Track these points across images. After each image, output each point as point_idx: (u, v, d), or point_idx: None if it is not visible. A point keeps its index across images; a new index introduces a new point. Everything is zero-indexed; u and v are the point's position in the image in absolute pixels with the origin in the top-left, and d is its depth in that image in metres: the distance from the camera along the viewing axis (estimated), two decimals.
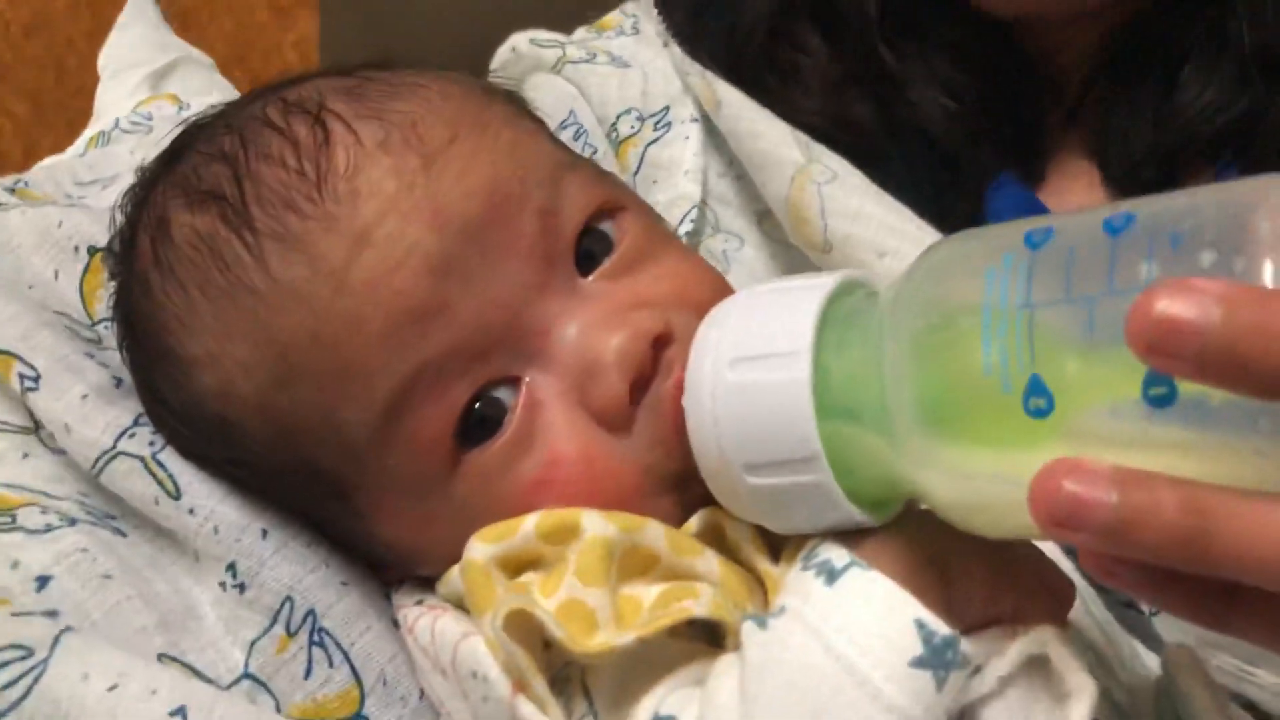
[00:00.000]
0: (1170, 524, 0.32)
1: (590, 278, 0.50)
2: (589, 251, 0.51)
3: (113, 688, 0.45)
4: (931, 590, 0.42)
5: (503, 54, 0.84)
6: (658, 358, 0.48)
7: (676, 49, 0.79)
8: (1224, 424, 0.33)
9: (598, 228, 0.51)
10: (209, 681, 0.48)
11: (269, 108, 0.50)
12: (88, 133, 0.82)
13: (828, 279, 0.44)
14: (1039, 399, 0.36)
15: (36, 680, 0.44)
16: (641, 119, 0.77)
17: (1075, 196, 0.77)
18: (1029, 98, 0.76)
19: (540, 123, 0.57)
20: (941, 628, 0.40)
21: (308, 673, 0.50)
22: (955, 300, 0.39)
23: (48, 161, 0.76)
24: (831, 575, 0.42)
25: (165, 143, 0.56)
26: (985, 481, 0.38)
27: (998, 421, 0.37)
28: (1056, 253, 0.37)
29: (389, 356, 0.46)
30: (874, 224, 0.68)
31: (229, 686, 0.49)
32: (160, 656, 0.48)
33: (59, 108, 1.99)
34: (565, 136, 0.76)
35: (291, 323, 0.46)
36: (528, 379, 0.48)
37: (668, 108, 0.77)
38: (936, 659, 0.40)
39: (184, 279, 0.49)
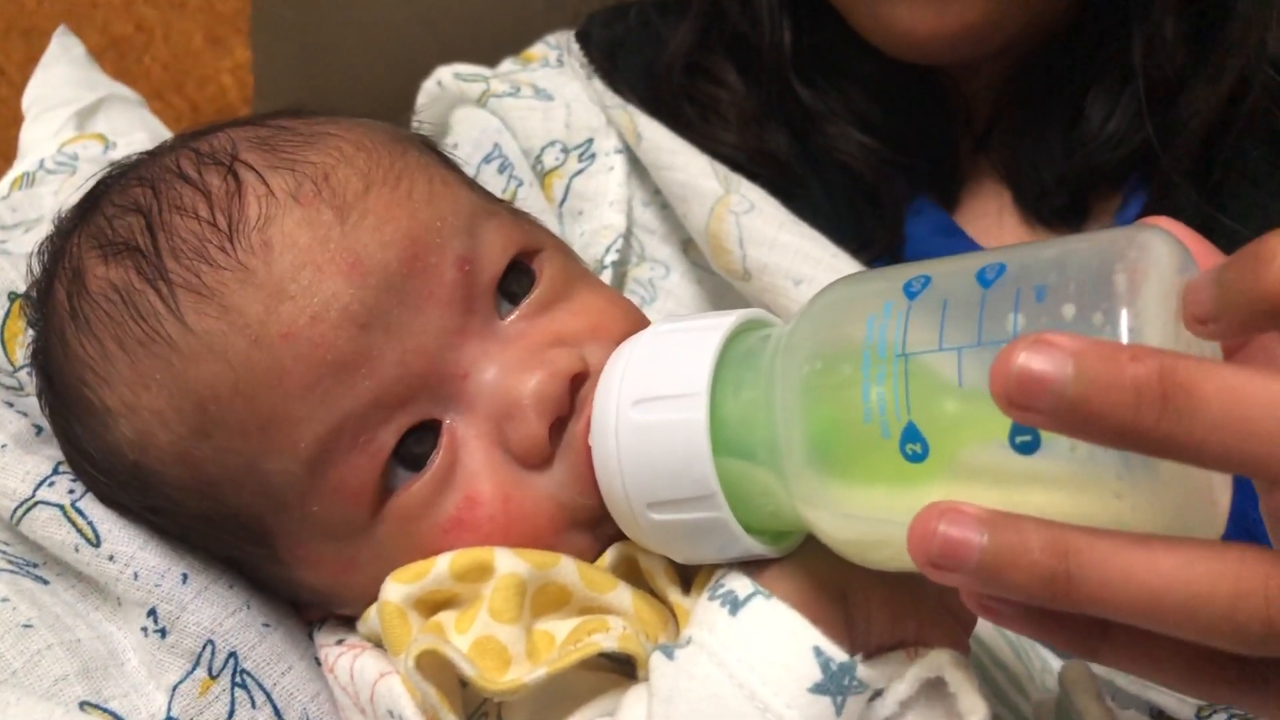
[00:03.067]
0: (1036, 564, 0.34)
1: (509, 319, 0.51)
2: (511, 292, 0.52)
3: None
4: (832, 617, 0.44)
5: (428, 88, 0.85)
6: (575, 395, 0.49)
7: (598, 82, 0.80)
8: (1084, 469, 0.35)
9: (519, 267, 0.52)
10: None
11: (182, 159, 0.50)
12: (12, 173, 0.82)
13: (727, 320, 0.46)
14: (915, 444, 0.37)
15: None
16: (566, 151, 0.78)
17: (989, 220, 0.79)
18: (941, 126, 0.79)
19: (456, 169, 0.58)
20: (838, 654, 0.42)
21: (230, 714, 0.50)
22: (838, 346, 0.40)
23: None
24: (735, 605, 0.44)
25: (87, 186, 0.57)
26: (872, 521, 0.40)
27: (879, 465, 0.38)
28: (932, 302, 0.38)
29: (313, 408, 0.47)
30: (790, 252, 0.69)
31: None
32: (82, 705, 0.48)
33: None
34: (490, 169, 0.78)
35: (208, 374, 0.47)
36: (448, 421, 0.49)
37: (591, 139, 0.78)
38: (834, 684, 0.42)
39: (99, 330, 0.49)
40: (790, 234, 0.70)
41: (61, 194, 0.75)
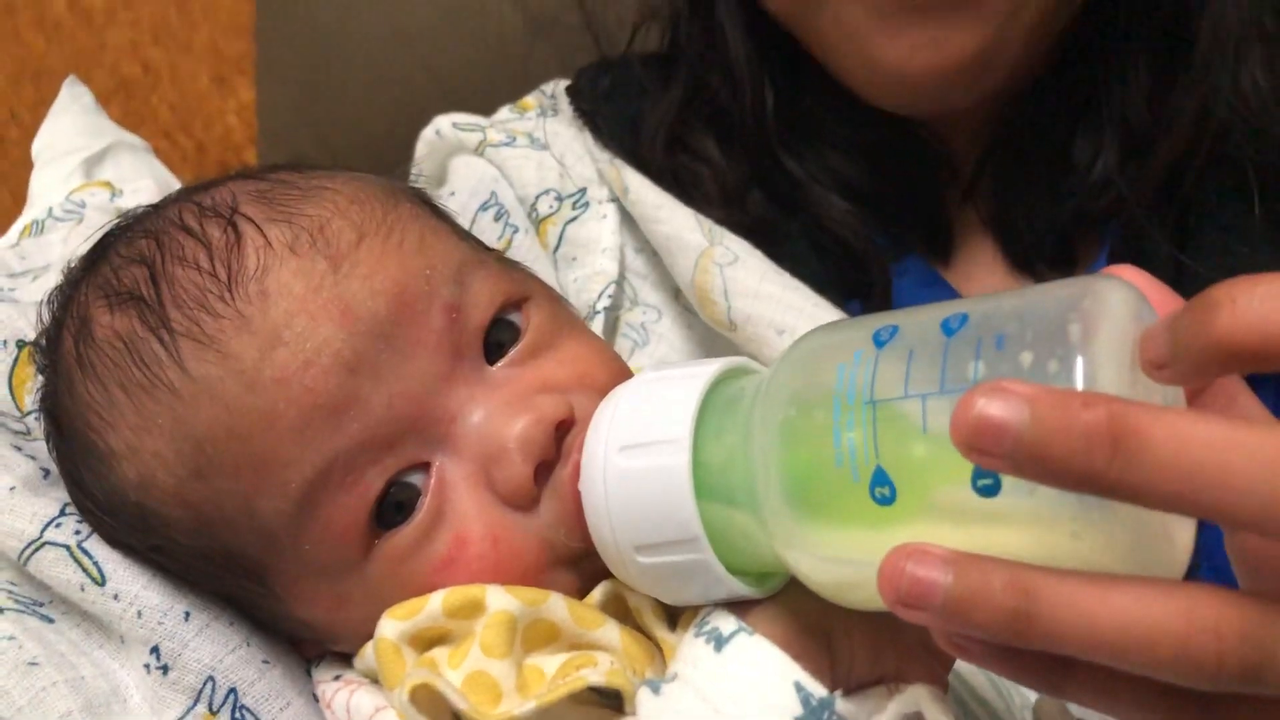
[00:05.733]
0: (999, 604, 0.35)
1: (497, 365, 0.53)
2: (498, 341, 0.54)
3: None
4: (814, 653, 0.45)
5: (427, 136, 0.87)
6: (560, 440, 0.51)
7: (589, 135, 0.83)
8: (1043, 511, 0.36)
9: (505, 318, 0.54)
10: None
11: (184, 212, 0.53)
12: (21, 220, 0.84)
13: (710, 368, 0.48)
14: (883, 488, 0.39)
15: None
16: (560, 199, 0.80)
17: (979, 271, 0.80)
18: (926, 182, 0.80)
19: (448, 219, 0.60)
20: (818, 689, 0.44)
21: None
22: (811, 394, 0.42)
23: None
24: (719, 642, 0.45)
25: (94, 237, 0.59)
26: (846, 563, 0.41)
27: (850, 508, 0.40)
28: (899, 351, 0.40)
29: (302, 449, 0.49)
30: (773, 303, 0.71)
31: None
32: None
33: (1, 179, 2.01)
34: (487, 217, 0.80)
35: (207, 418, 0.49)
36: (437, 464, 0.51)
37: (585, 189, 0.80)
38: (814, 719, 0.43)
39: (105, 376, 0.51)
40: (773, 284, 0.71)
41: (70, 242, 0.77)
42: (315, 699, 0.55)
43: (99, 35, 1.92)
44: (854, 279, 0.78)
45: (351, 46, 1.24)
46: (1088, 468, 0.34)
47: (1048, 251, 0.76)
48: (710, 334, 0.77)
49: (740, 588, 0.46)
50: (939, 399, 0.38)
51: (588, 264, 0.78)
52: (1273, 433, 0.33)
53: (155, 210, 0.55)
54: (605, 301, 0.76)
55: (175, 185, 0.91)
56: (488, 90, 1.07)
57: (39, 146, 0.94)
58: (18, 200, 1.68)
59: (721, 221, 0.77)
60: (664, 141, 0.80)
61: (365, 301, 0.50)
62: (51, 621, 0.54)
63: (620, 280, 0.79)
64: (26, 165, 2.13)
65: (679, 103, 0.81)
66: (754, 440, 0.43)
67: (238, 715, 0.52)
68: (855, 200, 0.78)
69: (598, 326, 0.75)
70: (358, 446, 0.49)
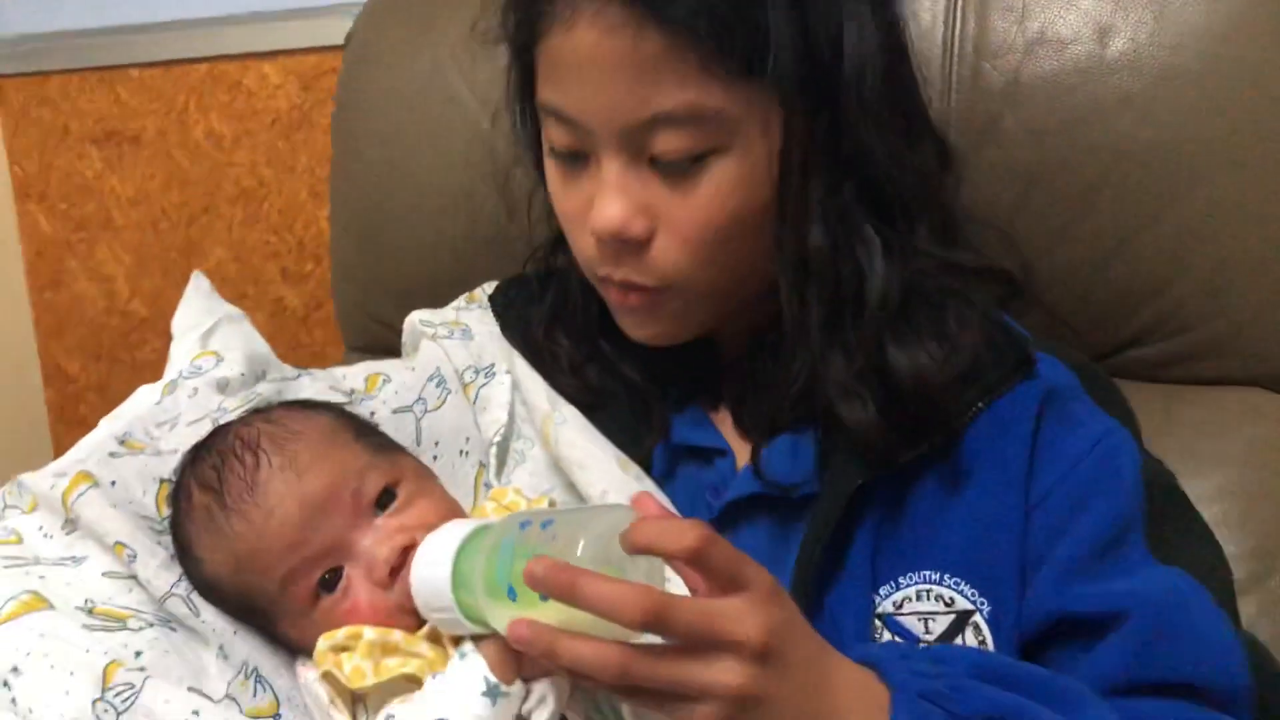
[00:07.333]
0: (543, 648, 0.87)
1: (379, 518, 1.06)
2: (383, 503, 1.06)
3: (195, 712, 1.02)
4: (507, 662, 0.96)
5: (408, 324, 1.38)
6: (405, 554, 1.03)
7: (498, 328, 1.35)
8: (561, 605, 0.88)
9: (388, 489, 1.07)
10: (209, 698, 1.05)
11: (236, 440, 1.07)
12: (164, 379, 1.31)
13: (470, 525, 1.00)
14: (511, 594, 0.90)
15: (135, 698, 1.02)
16: (477, 371, 1.31)
17: (728, 426, 1.25)
18: (705, 363, 1.26)
19: (367, 432, 1.13)
20: (495, 680, 0.95)
21: (254, 695, 1.06)
22: (494, 546, 0.93)
23: (140, 410, 1.30)
24: (462, 655, 0.98)
25: (200, 423, 1.16)
26: (503, 622, 0.92)
27: (502, 600, 0.91)
28: (527, 533, 0.92)
29: (282, 560, 1.03)
30: (580, 450, 1.19)
31: (219, 700, 1.06)
32: (189, 689, 1.05)
33: (154, 259, 2.59)
34: (432, 385, 1.29)
35: (240, 547, 1.04)
36: (347, 566, 1.04)
37: (494, 364, 1.31)
38: (492, 693, 0.95)
39: (197, 522, 1.06)
40: (584, 439, 1.20)
41: (194, 398, 1.29)
42: (295, 675, 1.10)
43: (227, 156, 2.45)
44: (650, 423, 1.28)
45: (397, 214, 1.75)
46: (566, 595, 0.84)
47: (764, 427, 1.11)
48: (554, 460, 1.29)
49: (475, 629, 0.98)
50: (532, 557, 0.89)
51: (491, 413, 1.29)
52: (630, 588, 0.84)
53: (224, 431, 1.10)
54: (498, 437, 1.27)
55: (260, 348, 1.35)
56: (487, 251, 1.58)
57: (175, 324, 1.42)
58: (168, 274, 2.33)
59: (571, 386, 1.27)
60: (541, 334, 1.30)
61: (311, 493, 1.03)
62: (175, 631, 1.09)
63: (510, 422, 1.30)
64: (173, 248, 2.79)
65: (548, 310, 1.31)
66: (476, 564, 0.96)
67: (257, 681, 1.07)
68: (651, 371, 1.25)
69: (494, 453, 1.27)
70: (307, 560, 1.03)
